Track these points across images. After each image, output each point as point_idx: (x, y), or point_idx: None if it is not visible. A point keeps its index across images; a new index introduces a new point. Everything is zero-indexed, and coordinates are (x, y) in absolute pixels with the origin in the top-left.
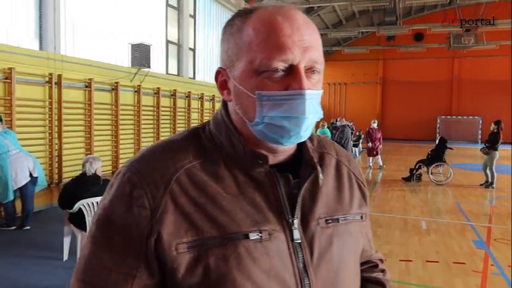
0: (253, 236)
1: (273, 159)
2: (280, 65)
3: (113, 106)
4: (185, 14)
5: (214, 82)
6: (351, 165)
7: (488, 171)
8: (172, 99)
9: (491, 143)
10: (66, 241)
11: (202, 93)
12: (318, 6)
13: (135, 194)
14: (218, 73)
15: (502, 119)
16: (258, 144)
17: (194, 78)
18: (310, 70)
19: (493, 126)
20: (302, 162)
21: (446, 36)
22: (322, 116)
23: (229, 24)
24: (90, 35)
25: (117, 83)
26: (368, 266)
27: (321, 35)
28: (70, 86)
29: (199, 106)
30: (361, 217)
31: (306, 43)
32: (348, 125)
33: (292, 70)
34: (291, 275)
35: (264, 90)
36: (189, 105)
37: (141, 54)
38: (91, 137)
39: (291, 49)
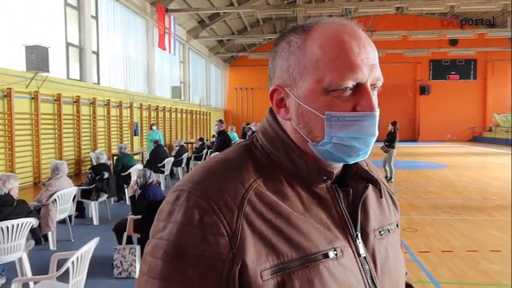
0: (331, 254)
1: None
2: (350, 84)
3: (6, 115)
4: (86, 14)
5: (120, 87)
6: (378, 174)
7: (387, 167)
8: (75, 106)
9: (389, 142)
10: None
11: (108, 100)
12: (224, 12)
13: (207, 221)
14: (274, 91)
15: (391, 120)
16: (317, 161)
17: (99, 83)
18: (372, 86)
19: (390, 127)
20: (349, 175)
21: None
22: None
23: (283, 40)
24: None
25: (10, 89)
26: None
27: (227, 40)
28: None
29: (106, 113)
30: (397, 225)
31: (371, 61)
32: None
33: (359, 88)
34: None
35: (333, 110)
36: (94, 112)
37: (37, 57)
38: None
39: (360, 68)
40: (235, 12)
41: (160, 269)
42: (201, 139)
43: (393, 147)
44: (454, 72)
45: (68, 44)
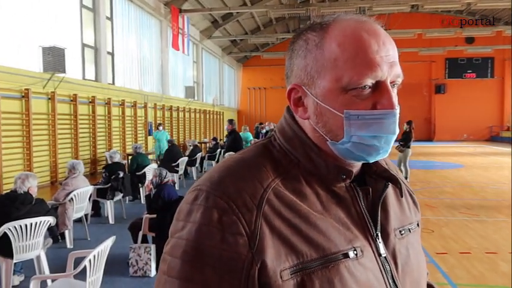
0: (351, 254)
1: None
2: (369, 82)
3: (24, 115)
4: (101, 15)
5: (135, 87)
6: (398, 173)
7: (402, 167)
8: (90, 107)
9: (404, 141)
10: None
11: (123, 100)
12: (237, 12)
13: (226, 220)
14: (292, 90)
15: (406, 119)
16: (335, 159)
17: (114, 83)
18: (392, 84)
19: (405, 126)
20: (368, 173)
21: None
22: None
23: (301, 39)
24: None
25: (27, 89)
26: None
27: (240, 40)
28: None
29: (121, 113)
30: (417, 224)
31: (391, 58)
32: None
33: (378, 86)
34: None
35: (352, 109)
36: (109, 112)
37: (54, 58)
38: None
39: (380, 66)
40: (248, 12)
41: (179, 268)
42: (214, 139)
43: (408, 147)
44: (470, 71)
45: (83, 45)
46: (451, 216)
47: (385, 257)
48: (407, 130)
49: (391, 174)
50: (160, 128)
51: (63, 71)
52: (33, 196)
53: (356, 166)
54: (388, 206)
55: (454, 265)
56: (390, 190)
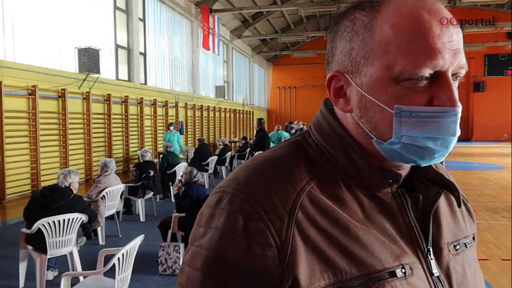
0: (399, 273)
1: None
2: (427, 73)
3: (61, 114)
4: (134, 17)
5: (166, 87)
6: (450, 177)
7: None
8: (123, 106)
9: None
10: (22, 266)
11: (155, 99)
12: (267, 11)
13: (253, 228)
14: (333, 77)
15: None
16: (381, 161)
17: (146, 83)
18: (454, 76)
19: None
20: (417, 178)
21: None
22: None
23: (347, 18)
24: (33, 38)
25: (64, 89)
26: None
27: (271, 39)
28: (11, 94)
29: (152, 112)
30: (473, 237)
31: (455, 45)
32: (305, 128)
33: (438, 78)
34: None
35: (404, 104)
36: (141, 111)
37: (89, 59)
38: (37, 149)
39: (441, 53)
40: (279, 10)
41: (199, 282)
42: (244, 138)
43: None
44: None
45: (117, 46)
46: (492, 220)
47: (437, 277)
48: None
49: (445, 179)
50: (172, 128)
51: (98, 72)
52: (74, 192)
53: (405, 169)
54: (440, 216)
55: (496, 273)
56: (441, 198)
